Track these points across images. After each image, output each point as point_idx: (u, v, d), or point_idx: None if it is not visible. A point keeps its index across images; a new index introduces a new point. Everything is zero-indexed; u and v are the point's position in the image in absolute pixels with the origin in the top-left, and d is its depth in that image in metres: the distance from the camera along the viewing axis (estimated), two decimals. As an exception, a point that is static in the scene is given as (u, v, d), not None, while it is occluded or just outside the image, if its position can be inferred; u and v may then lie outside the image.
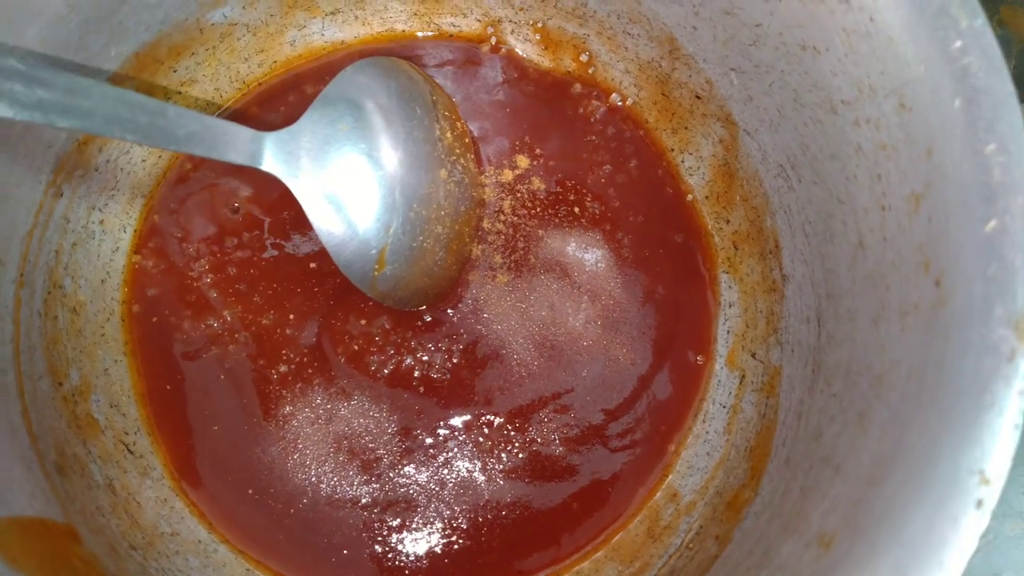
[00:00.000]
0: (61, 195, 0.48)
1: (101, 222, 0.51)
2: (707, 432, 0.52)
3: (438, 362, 0.52)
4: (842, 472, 0.38)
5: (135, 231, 0.53)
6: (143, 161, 0.53)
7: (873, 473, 0.36)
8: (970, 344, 0.33)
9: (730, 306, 0.53)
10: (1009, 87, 0.35)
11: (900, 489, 0.33)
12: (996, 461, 0.31)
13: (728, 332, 0.53)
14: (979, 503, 0.31)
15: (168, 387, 0.51)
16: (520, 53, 0.57)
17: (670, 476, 0.52)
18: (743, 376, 0.52)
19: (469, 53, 0.57)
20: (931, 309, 0.36)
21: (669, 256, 0.54)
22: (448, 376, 0.52)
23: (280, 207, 0.53)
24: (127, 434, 0.50)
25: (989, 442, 0.31)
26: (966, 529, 0.31)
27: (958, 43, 0.36)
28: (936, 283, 0.36)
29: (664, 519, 0.51)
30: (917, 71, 0.37)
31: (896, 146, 0.39)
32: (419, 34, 0.57)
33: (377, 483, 0.51)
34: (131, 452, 0.50)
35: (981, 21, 0.36)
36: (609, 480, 0.52)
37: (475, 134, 0.55)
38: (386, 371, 0.51)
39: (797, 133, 0.46)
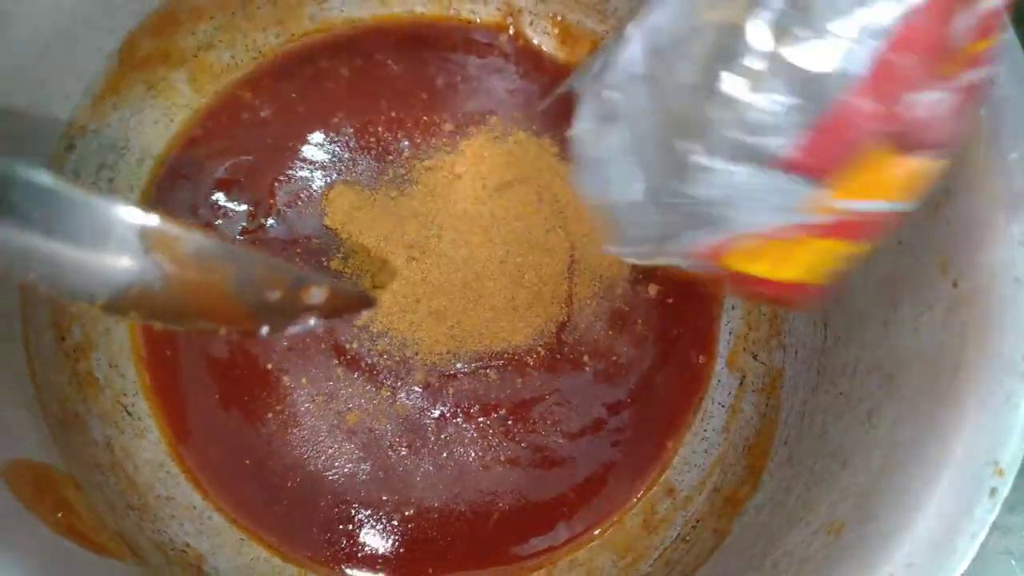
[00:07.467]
0: (73, 148, 0.48)
1: (110, 180, 0.51)
2: (705, 431, 0.53)
3: (442, 349, 0.52)
4: (850, 465, 0.39)
5: (142, 192, 0.52)
6: (155, 123, 0.52)
7: (884, 465, 0.37)
8: (987, 344, 0.34)
9: (733, 308, 0.54)
10: (1033, 97, 0.36)
11: (913, 479, 0.34)
12: (1010, 453, 0.32)
13: (730, 333, 0.54)
14: (992, 492, 0.32)
15: (168, 352, 0.50)
16: (537, 45, 0.57)
17: (667, 472, 0.52)
18: (744, 377, 0.52)
19: (486, 40, 0.57)
20: (947, 311, 0.37)
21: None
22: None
23: (290, 182, 0.53)
24: (125, 395, 0.49)
25: (1005, 435, 0.33)
26: (979, 516, 0.32)
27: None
28: (954, 284, 0.37)
29: (660, 512, 0.51)
30: (943, 80, 0.38)
31: (917, 152, 0.40)
32: (438, 17, 0.57)
33: (375, 463, 0.50)
34: (129, 413, 0.49)
35: (1011, 34, 0.37)
36: (606, 473, 0.52)
37: (484, 120, 0.55)
38: (389, 352, 0.51)
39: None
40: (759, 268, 0.32)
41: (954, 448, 0.33)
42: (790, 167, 0.29)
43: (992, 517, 0.32)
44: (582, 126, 0.37)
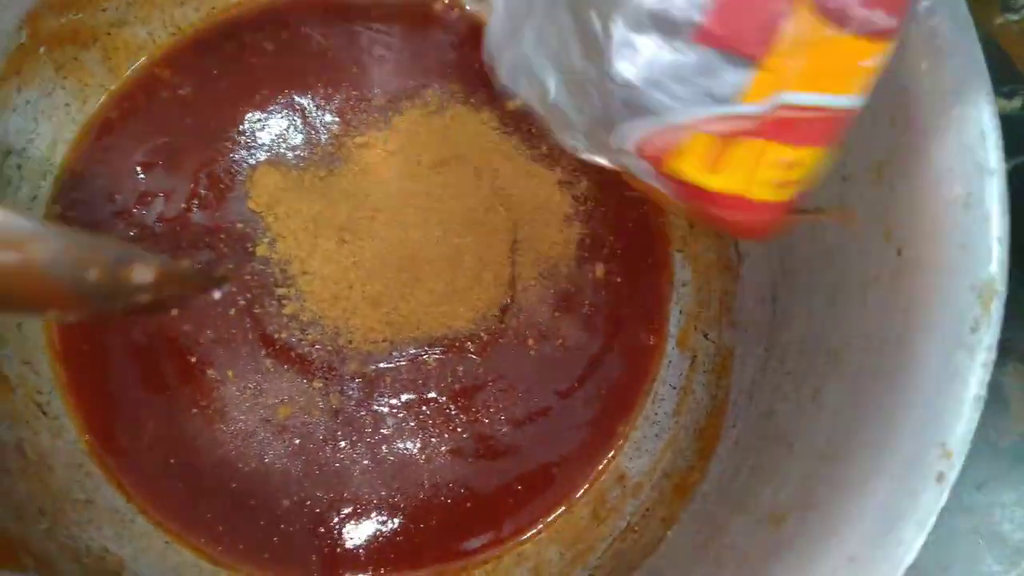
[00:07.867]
0: (-27, 136, 0.45)
1: (19, 167, 0.48)
2: (656, 414, 0.50)
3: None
4: (795, 450, 0.37)
5: (55, 179, 0.49)
6: (66, 106, 0.49)
7: (827, 449, 0.34)
8: (933, 315, 0.32)
9: (683, 285, 0.52)
10: (976, 49, 0.33)
11: (856, 464, 0.32)
12: (958, 434, 0.30)
13: (680, 312, 0.51)
14: (940, 476, 0.30)
15: (86, 347, 0.48)
16: (473, 12, 0.54)
17: (618, 458, 0.50)
18: (695, 357, 0.50)
19: (419, 10, 0.54)
20: (892, 280, 0.35)
21: (623, 234, 0.52)
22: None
23: (213, 164, 0.50)
24: (40, 393, 0.47)
25: (951, 415, 0.30)
26: (926, 504, 0.29)
27: (926, 3, 0.34)
28: (898, 252, 0.34)
29: (610, 501, 0.49)
30: (885, 33, 0.36)
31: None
32: (368, -15, 0.54)
33: (309, 459, 0.48)
34: (44, 413, 0.46)
35: (953, -19, 0.34)
36: (555, 462, 0.50)
37: (419, 94, 0.52)
38: (321, 342, 0.49)
39: (759, 103, 0.44)
40: (705, 177, 0.30)
41: (898, 430, 0.31)
42: (706, 38, 0.27)
43: (940, 504, 0.30)
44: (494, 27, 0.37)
